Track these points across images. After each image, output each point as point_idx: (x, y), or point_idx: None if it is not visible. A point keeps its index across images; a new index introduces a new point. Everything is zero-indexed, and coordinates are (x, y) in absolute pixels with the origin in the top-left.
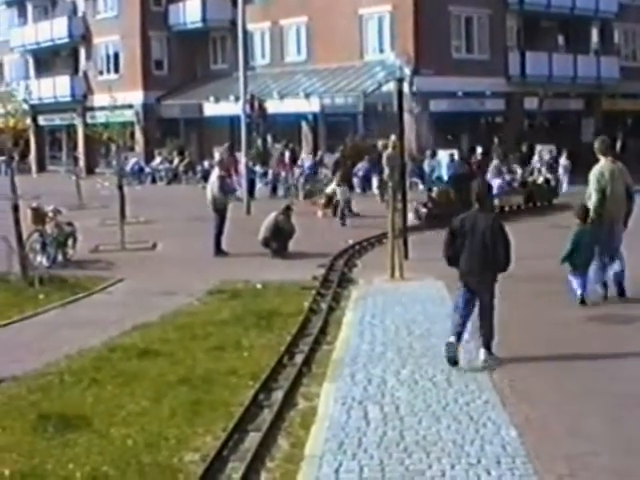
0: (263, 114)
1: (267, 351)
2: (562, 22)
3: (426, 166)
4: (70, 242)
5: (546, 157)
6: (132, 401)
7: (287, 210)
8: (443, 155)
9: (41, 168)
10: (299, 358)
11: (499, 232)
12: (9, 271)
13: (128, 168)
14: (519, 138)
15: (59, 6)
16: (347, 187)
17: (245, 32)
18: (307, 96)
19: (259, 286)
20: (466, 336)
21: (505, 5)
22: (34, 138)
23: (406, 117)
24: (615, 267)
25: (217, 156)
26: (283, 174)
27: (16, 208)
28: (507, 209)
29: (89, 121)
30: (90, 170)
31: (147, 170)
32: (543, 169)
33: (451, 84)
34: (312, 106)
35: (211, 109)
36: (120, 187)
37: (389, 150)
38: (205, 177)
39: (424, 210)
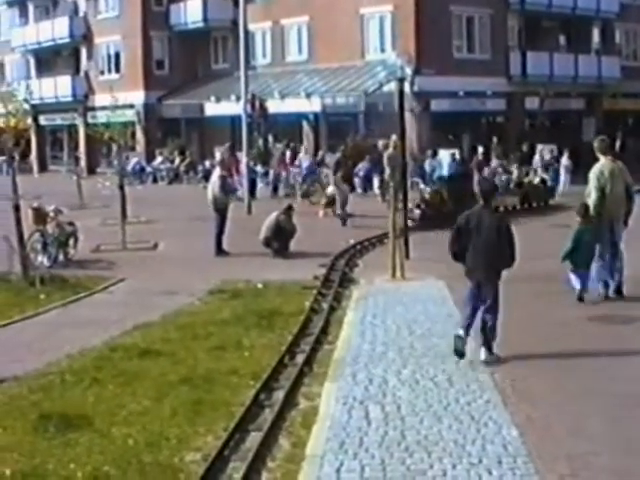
0: (264, 114)
1: (268, 351)
2: (563, 22)
3: (427, 166)
4: (71, 242)
5: (547, 157)
6: (133, 401)
7: (288, 210)
8: (444, 155)
9: (42, 168)
10: (300, 358)
11: (506, 230)
12: (10, 271)
13: (129, 168)
14: (520, 138)
15: (60, 6)
16: (346, 187)
17: (246, 32)
18: (308, 96)
19: (260, 286)
20: (472, 333)
21: (506, 5)
22: (35, 138)
23: (407, 117)
24: (617, 265)
25: (218, 156)
26: (284, 174)
27: (17, 208)
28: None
29: (90, 121)
30: (91, 170)
31: (148, 170)
32: (539, 169)
33: (452, 84)
34: (313, 106)
35: (212, 109)
36: (121, 187)
37: (390, 150)
38: (206, 177)
39: (417, 211)
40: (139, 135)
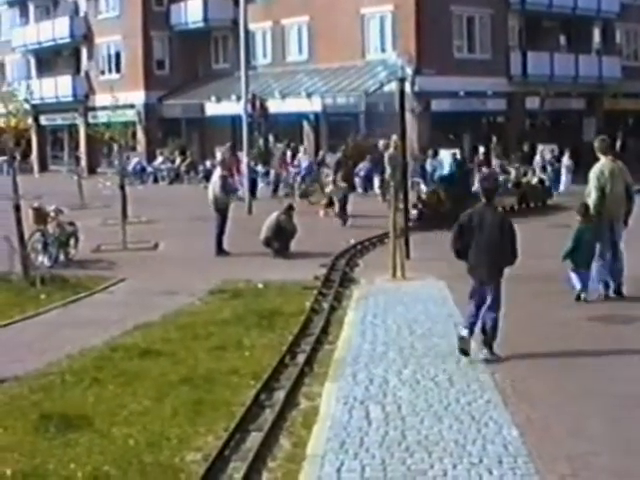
0: (265, 114)
1: (269, 351)
2: (564, 22)
3: (428, 165)
4: (72, 242)
5: (548, 157)
6: (134, 401)
7: (289, 210)
8: (445, 154)
9: (43, 168)
10: (301, 358)
11: (508, 228)
12: (11, 271)
13: (130, 168)
14: (521, 138)
15: (61, 6)
16: (345, 187)
17: (247, 32)
18: (309, 96)
19: (261, 286)
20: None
21: (507, 5)
22: (36, 138)
23: (408, 117)
24: (617, 265)
25: (219, 156)
26: (285, 174)
27: (18, 208)
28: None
29: (91, 121)
30: (92, 170)
31: (149, 170)
32: (537, 169)
33: (453, 84)
34: (314, 106)
35: (213, 109)
36: (122, 187)
37: (391, 150)
38: (207, 177)
39: (414, 212)
40: (140, 135)
